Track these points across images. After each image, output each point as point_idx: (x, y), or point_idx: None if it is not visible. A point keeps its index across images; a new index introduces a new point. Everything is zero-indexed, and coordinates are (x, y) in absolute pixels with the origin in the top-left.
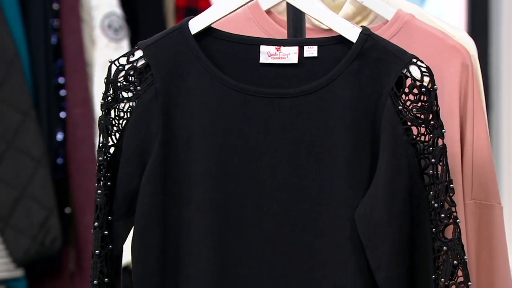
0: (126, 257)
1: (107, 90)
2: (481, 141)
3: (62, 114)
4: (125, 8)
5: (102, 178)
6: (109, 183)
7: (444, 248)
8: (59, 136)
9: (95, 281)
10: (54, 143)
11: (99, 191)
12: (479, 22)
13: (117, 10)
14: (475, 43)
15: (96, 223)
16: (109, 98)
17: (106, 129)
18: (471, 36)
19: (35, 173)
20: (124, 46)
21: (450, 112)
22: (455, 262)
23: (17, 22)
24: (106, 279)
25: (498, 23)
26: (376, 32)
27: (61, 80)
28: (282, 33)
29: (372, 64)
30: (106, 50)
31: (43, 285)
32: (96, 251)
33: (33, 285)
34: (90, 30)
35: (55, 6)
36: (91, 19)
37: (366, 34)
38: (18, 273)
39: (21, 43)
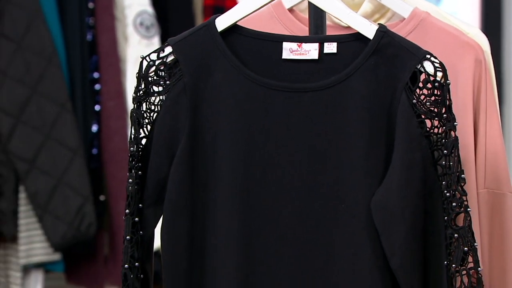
0: (157, 242)
1: (138, 84)
2: (493, 132)
3: (97, 107)
4: (156, 7)
5: (133, 168)
6: (140, 172)
7: (455, 235)
8: (94, 128)
9: (126, 265)
10: (89, 134)
11: (130, 180)
12: (492, 20)
13: (149, 8)
14: (488, 39)
15: (127, 210)
16: (141, 92)
17: (137, 122)
18: (484, 33)
19: (72, 162)
20: (155, 42)
21: (464, 105)
22: (465, 248)
23: (55, 21)
24: (136, 263)
25: (510, 20)
26: (394, 29)
27: (95, 75)
28: (304, 30)
29: (388, 60)
30: (138, 47)
31: (79, 268)
32: (127, 237)
33: (69, 268)
34: (123, 27)
35: (91, 5)
36: (124, 17)
37: (382, 31)
38: (56, 256)
39: (58, 40)
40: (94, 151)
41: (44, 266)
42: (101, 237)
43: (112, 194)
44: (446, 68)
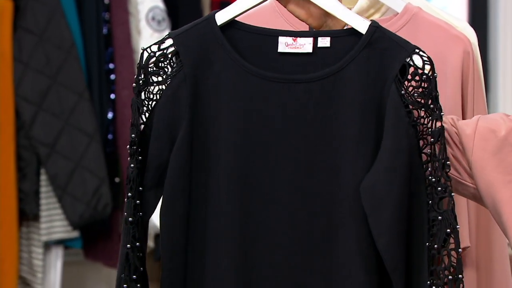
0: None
1: (138, 74)
2: None
3: (112, 96)
4: (167, 2)
5: (134, 154)
6: (140, 157)
7: (439, 217)
8: (109, 115)
9: (128, 245)
10: (105, 121)
11: (132, 165)
12: (479, 14)
13: (160, 4)
14: (475, 32)
15: (129, 194)
16: (140, 81)
17: (137, 110)
18: (471, 26)
19: (89, 147)
20: None
21: (453, 93)
22: (448, 230)
23: (73, 16)
24: (137, 243)
25: (496, 14)
26: (387, 23)
27: (111, 65)
28: (305, 24)
29: (379, 53)
30: (150, 40)
31: (95, 245)
32: (130, 218)
33: (87, 245)
34: (136, 22)
35: (106, 1)
36: (137, 12)
37: (374, 26)
38: (74, 234)
39: (76, 34)
40: (110, 136)
41: (64, 243)
42: (116, 217)
43: (126, 176)
44: (437, 59)
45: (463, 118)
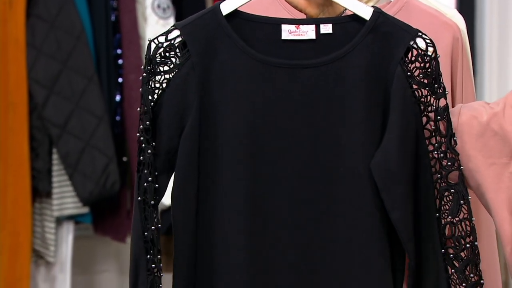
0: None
1: (147, 64)
2: (469, 99)
3: (120, 79)
4: None
5: (150, 140)
6: (153, 143)
7: (452, 190)
8: (117, 97)
9: (153, 227)
10: (113, 103)
11: (148, 151)
12: (467, 2)
13: None
14: (464, 19)
15: (149, 178)
16: (149, 71)
17: (147, 99)
18: (460, 13)
19: (98, 127)
20: (171, 23)
21: (443, 77)
22: (461, 201)
23: (83, 4)
24: (159, 225)
25: (482, 2)
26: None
27: (118, 51)
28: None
29: (384, 38)
30: (156, 26)
31: (104, 221)
32: (152, 202)
33: (96, 220)
34: (143, 9)
35: None
36: (143, 0)
37: (378, 12)
38: (84, 210)
39: (86, 21)
40: (117, 118)
41: (74, 218)
42: (124, 194)
43: (133, 155)
44: None
45: (453, 101)
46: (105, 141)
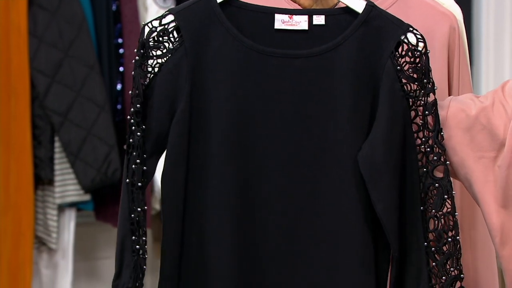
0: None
1: (140, 48)
2: (465, 88)
3: (121, 68)
4: None
5: (140, 123)
6: (143, 126)
7: (436, 184)
8: (118, 86)
9: (139, 209)
10: (114, 92)
11: (138, 133)
12: None
13: None
14: (461, 9)
15: (137, 160)
16: (142, 55)
17: (139, 82)
18: (457, 3)
19: (99, 116)
20: None
21: (440, 67)
22: (445, 196)
23: None
24: (145, 207)
25: None
26: (379, 1)
27: (119, 40)
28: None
29: (375, 31)
30: (156, 16)
31: (106, 207)
32: (139, 184)
33: (98, 207)
34: None
35: None
36: None
37: (370, 5)
38: (86, 197)
39: (87, 10)
40: (119, 106)
41: (76, 205)
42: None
43: None
44: (425, 34)
45: (449, 90)
46: (106, 130)
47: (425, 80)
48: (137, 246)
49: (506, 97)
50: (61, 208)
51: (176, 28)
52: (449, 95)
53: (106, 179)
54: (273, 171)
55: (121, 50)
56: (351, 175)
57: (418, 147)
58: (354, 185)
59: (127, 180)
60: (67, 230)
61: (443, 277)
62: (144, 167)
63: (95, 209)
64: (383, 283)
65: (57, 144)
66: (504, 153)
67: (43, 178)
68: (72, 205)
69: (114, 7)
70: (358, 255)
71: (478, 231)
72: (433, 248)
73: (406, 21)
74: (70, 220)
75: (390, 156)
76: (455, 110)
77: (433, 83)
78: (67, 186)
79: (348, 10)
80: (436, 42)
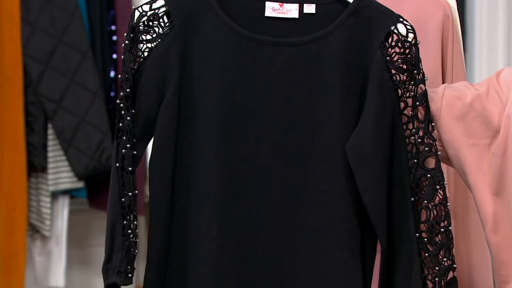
0: None
1: (130, 32)
2: (459, 75)
3: (114, 56)
4: None
5: (129, 107)
6: (132, 111)
7: (428, 175)
8: (112, 73)
9: (130, 193)
10: (107, 79)
11: (128, 118)
12: None
13: None
14: None
15: (128, 145)
16: (131, 39)
17: (128, 66)
18: None
19: (93, 103)
20: None
21: (434, 53)
22: (437, 186)
23: None
24: (136, 191)
25: None
26: None
27: (113, 27)
28: None
29: (365, 21)
30: None
31: (99, 194)
32: (129, 168)
33: (91, 194)
34: None
35: None
36: None
37: None
38: (80, 184)
39: None
40: (112, 93)
41: (70, 193)
42: None
43: None
44: (419, 22)
45: (443, 76)
46: (99, 117)
47: (415, 71)
48: (129, 231)
49: (501, 85)
50: (55, 195)
51: (167, 13)
52: (443, 82)
53: (99, 166)
54: (262, 158)
55: (114, 37)
56: (339, 164)
57: (408, 138)
58: (343, 175)
59: (117, 165)
60: (60, 217)
61: (436, 268)
62: (134, 152)
63: (88, 196)
64: (370, 271)
65: (50, 131)
66: (499, 140)
67: (36, 165)
68: (65, 192)
69: None
70: (346, 244)
71: (472, 220)
72: (425, 239)
73: (400, 8)
74: (63, 207)
75: (378, 147)
76: (449, 97)
77: (423, 74)
78: (60, 173)
79: None
80: (430, 29)
